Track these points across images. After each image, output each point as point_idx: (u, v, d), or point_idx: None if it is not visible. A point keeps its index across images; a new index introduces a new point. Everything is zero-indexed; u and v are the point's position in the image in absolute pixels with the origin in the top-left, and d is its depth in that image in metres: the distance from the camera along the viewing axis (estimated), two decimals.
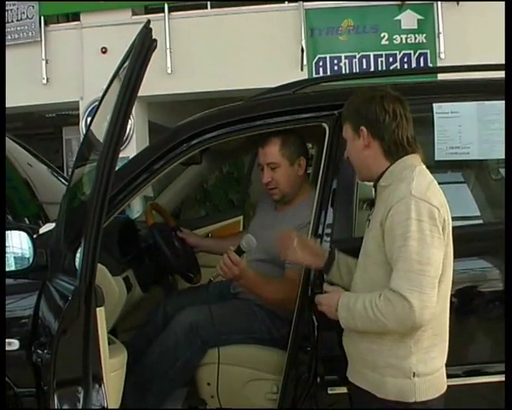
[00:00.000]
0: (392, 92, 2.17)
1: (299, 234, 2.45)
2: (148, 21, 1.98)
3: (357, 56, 8.45)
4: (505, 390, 2.06)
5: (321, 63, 8.52)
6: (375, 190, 2.21)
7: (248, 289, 2.78)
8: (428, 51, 8.35)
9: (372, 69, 8.32)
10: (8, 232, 2.47)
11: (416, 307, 1.91)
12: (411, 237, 1.94)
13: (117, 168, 2.23)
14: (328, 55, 8.52)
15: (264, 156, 2.92)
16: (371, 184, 2.25)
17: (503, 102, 2.42)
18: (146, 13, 9.12)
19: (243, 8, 8.73)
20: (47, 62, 9.13)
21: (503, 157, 2.42)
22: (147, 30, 1.95)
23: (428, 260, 1.94)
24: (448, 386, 2.13)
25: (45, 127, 12.03)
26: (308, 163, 3.04)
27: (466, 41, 7.97)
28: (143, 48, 1.93)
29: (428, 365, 2.05)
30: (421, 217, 1.95)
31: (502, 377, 2.14)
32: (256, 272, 2.71)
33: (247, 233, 2.83)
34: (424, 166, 2.13)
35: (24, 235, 2.46)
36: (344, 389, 2.37)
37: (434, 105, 2.59)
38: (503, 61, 2.43)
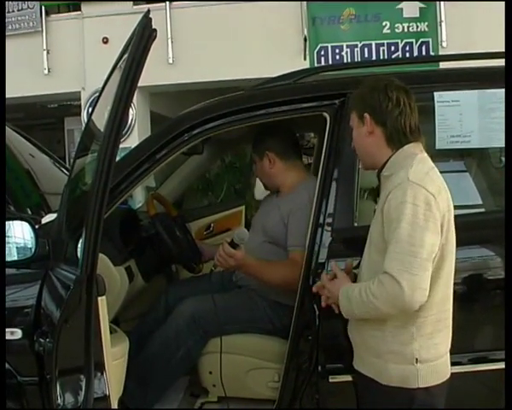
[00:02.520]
0: (397, 82, 2.18)
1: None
2: (148, 11, 1.98)
3: (359, 45, 8.42)
4: (505, 389, 2.06)
5: (322, 52, 8.50)
6: (379, 180, 2.23)
7: (250, 276, 2.80)
8: (430, 40, 8.31)
9: (374, 58, 8.29)
10: (10, 222, 2.48)
11: (406, 288, 1.92)
12: (404, 219, 1.96)
13: (119, 158, 2.24)
14: (329, 45, 8.49)
15: None
16: (373, 172, 2.26)
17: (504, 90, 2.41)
18: (147, 2, 9.07)
19: None
20: (48, 53, 9.10)
21: (504, 145, 2.41)
22: (147, 19, 1.96)
23: (421, 242, 1.95)
24: (451, 373, 2.14)
25: (47, 118, 12.04)
26: (302, 153, 3.14)
27: (468, 29, 7.94)
28: (143, 37, 1.93)
29: (431, 351, 2.06)
30: (416, 201, 1.97)
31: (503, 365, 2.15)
32: (256, 257, 2.77)
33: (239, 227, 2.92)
34: (426, 155, 2.14)
35: (26, 225, 2.46)
36: (345, 378, 2.39)
37: (435, 94, 2.59)
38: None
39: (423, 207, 1.97)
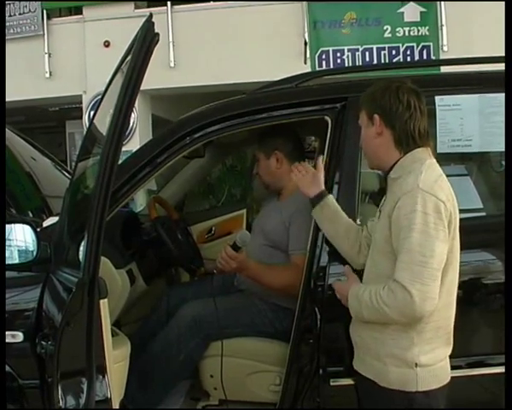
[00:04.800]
0: (409, 84, 2.18)
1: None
2: (151, 15, 1.99)
3: (360, 49, 8.43)
4: (505, 389, 2.06)
5: (324, 56, 8.51)
6: (386, 182, 2.23)
7: (252, 279, 2.81)
8: (431, 44, 8.31)
9: (375, 62, 8.29)
10: (12, 225, 2.48)
11: (417, 298, 1.93)
12: (415, 229, 1.96)
13: (120, 162, 2.24)
14: (330, 48, 8.49)
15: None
16: (375, 176, 2.26)
17: None
18: (148, 6, 9.09)
19: (246, 1, 8.71)
20: (50, 56, 9.12)
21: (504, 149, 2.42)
22: (149, 24, 1.96)
23: (432, 252, 1.96)
24: (452, 377, 2.14)
25: (48, 121, 12.04)
26: (304, 157, 3.12)
27: (469, 33, 7.95)
28: (145, 42, 1.94)
29: (430, 356, 2.07)
30: (427, 210, 1.97)
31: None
32: (258, 260, 2.78)
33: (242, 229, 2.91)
34: (434, 160, 2.14)
35: (28, 228, 2.46)
36: (346, 381, 2.39)
37: (436, 98, 2.59)
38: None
39: (434, 216, 1.97)
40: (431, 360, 2.07)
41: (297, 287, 2.55)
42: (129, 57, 2.07)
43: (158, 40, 1.96)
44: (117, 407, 2.23)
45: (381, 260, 2.13)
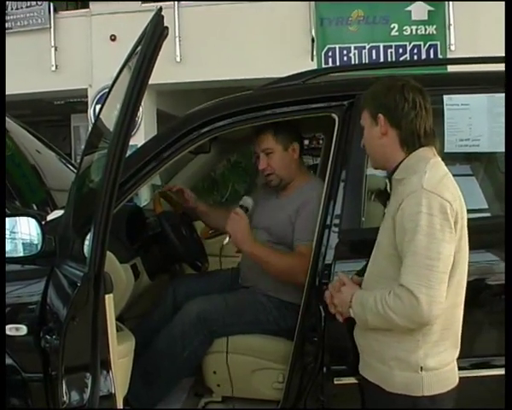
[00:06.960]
0: (414, 82, 2.14)
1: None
2: (160, 8, 1.98)
3: (367, 47, 8.43)
4: (505, 390, 2.04)
5: (330, 54, 8.51)
6: (390, 184, 2.19)
7: (257, 259, 2.80)
8: (438, 43, 8.32)
9: (382, 60, 8.29)
10: (16, 218, 2.47)
11: (424, 303, 1.89)
12: (420, 231, 1.92)
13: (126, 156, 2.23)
14: (337, 46, 8.50)
15: (260, 143, 2.98)
16: (381, 175, 2.24)
17: None
18: (155, 0, 9.10)
19: None
20: (56, 49, 9.14)
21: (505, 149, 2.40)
22: (158, 17, 1.95)
23: (438, 254, 1.92)
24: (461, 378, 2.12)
25: (54, 114, 12.08)
26: (303, 152, 3.10)
27: (476, 33, 7.94)
28: (155, 35, 1.93)
29: (437, 359, 2.03)
30: (432, 211, 1.93)
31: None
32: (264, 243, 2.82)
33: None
34: (439, 159, 2.11)
35: (32, 221, 2.45)
36: (350, 380, 2.37)
37: (444, 97, 2.58)
38: None
39: (439, 217, 1.92)
40: (437, 364, 2.03)
41: (300, 275, 2.55)
42: (137, 49, 2.06)
43: (167, 34, 1.95)
44: (121, 403, 2.22)
45: (382, 262, 2.09)
